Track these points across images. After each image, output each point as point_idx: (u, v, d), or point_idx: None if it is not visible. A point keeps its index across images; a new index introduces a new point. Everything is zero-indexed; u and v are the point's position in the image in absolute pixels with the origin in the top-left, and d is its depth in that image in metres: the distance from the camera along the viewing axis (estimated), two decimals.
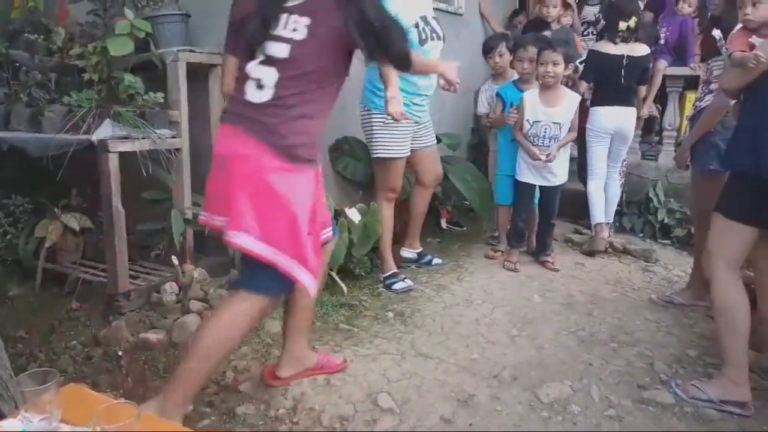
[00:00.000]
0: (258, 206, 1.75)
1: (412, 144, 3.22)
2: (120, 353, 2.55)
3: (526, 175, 3.62)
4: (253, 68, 1.83)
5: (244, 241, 1.74)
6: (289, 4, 1.82)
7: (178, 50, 2.92)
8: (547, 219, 3.78)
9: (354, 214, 3.03)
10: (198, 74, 3.11)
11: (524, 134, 3.54)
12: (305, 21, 1.78)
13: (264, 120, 1.78)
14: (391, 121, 3.01)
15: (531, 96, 3.52)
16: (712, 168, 2.76)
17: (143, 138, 2.78)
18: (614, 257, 3.99)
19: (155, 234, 3.23)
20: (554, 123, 3.47)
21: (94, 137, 2.71)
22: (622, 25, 3.81)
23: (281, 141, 1.77)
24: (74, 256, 3.28)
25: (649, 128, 5.00)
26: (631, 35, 3.83)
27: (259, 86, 1.80)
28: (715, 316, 2.32)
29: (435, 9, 4.08)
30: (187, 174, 3.02)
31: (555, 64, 3.37)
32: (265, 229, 1.74)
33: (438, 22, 3.19)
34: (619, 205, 4.44)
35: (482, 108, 4.18)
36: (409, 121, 3.11)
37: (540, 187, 3.67)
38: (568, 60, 3.46)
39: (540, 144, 3.50)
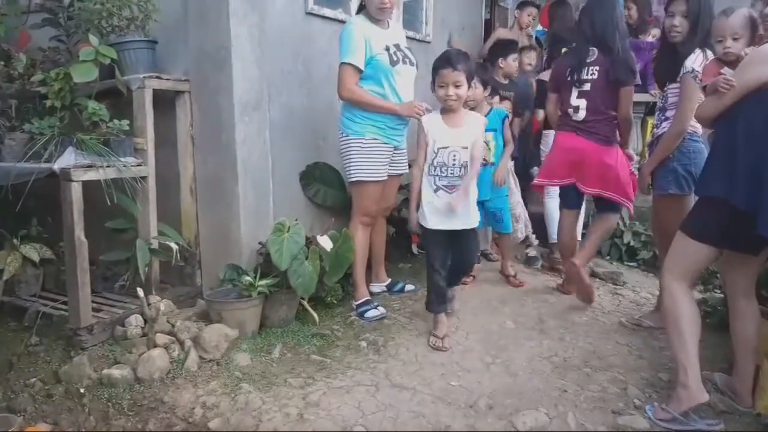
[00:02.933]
0: None
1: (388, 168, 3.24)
2: (82, 390, 2.44)
3: (432, 219, 2.87)
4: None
5: None
6: None
7: (144, 77, 2.87)
8: (459, 272, 3.19)
9: (325, 242, 2.99)
10: (165, 101, 3.06)
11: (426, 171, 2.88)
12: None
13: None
14: (368, 145, 3.05)
15: (431, 121, 2.89)
16: (672, 192, 2.83)
17: (107, 166, 2.71)
18: None
19: (120, 264, 3.15)
20: (462, 147, 2.81)
21: (56, 166, 2.63)
22: (564, 52, 3.99)
23: None
24: (34, 288, 3.16)
25: None
26: None
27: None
28: (664, 325, 2.40)
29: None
30: (153, 202, 2.95)
31: (457, 85, 2.74)
32: None
33: (411, 51, 3.25)
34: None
35: None
36: (386, 145, 3.13)
37: (449, 231, 2.89)
38: (471, 78, 2.83)
39: (450, 175, 2.82)
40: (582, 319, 3.28)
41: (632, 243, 4.55)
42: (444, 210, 2.81)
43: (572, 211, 3.56)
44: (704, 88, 2.27)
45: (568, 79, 3.29)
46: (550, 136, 4.06)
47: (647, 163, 3.01)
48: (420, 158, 2.89)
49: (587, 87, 3.25)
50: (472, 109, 3.40)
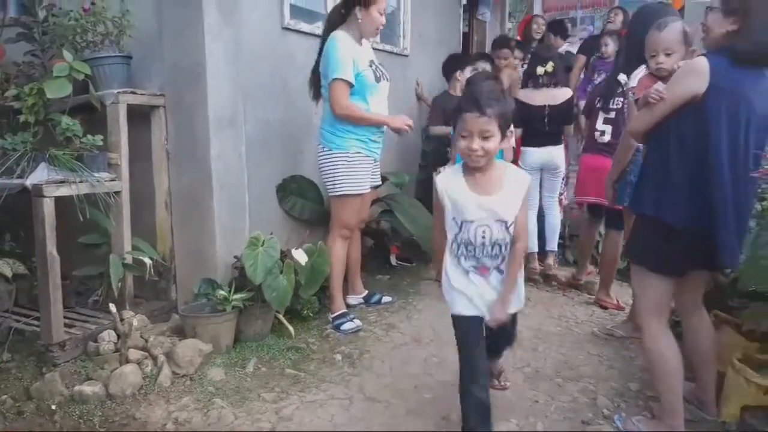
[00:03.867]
0: None
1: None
2: (53, 407, 2.43)
3: (465, 305, 2.03)
4: None
5: None
6: None
7: (118, 92, 2.88)
8: (498, 347, 2.37)
9: (300, 256, 3.01)
10: (140, 116, 3.06)
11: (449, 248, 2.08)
12: None
13: None
14: (353, 159, 3.09)
15: (449, 182, 2.02)
16: (627, 204, 2.91)
17: (80, 182, 2.70)
18: (558, 291, 4.09)
19: (93, 279, 3.13)
20: (497, 221, 1.96)
21: (28, 182, 2.62)
22: (540, 70, 4.06)
23: None
24: (6, 303, 3.12)
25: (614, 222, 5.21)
26: (550, 79, 4.06)
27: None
28: (649, 367, 2.35)
29: (382, 51, 4.21)
30: (127, 217, 2.95)
31: (485, 136, 1.89)
32: None
33: (383, 66, 3.29)
34: (562, 238, 4.60)
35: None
36: (369, 158, 3.19)
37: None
38: (506, 126, 1.94)
39: (479, 255, 2.00)
40: (556, 329, 3.33)
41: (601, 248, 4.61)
42: (484, 308, 2.03)
43: (596, 222, 3.91)
44: (637, 101, 2.27)
45: (597, 106, 3.59)
46: (527, 153, 4.15)
47: (608, 176, 3.10)
48: (437, 222, 2.16)
49: (613, 114, 3.51)
50: None
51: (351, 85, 3.03)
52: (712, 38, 2.03)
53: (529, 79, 4.19)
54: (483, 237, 1.97)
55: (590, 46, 5.22)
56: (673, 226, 2.00)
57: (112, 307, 2.69)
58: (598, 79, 4.76)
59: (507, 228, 1.96)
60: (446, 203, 2.00)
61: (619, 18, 5.09)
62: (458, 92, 4.29)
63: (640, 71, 2.73)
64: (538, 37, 5.64)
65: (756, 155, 1.94)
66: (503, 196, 1.95)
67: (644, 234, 2.16)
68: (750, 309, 2.47)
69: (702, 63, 1.93)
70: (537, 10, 7.17)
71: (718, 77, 1.89)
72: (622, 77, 2.69)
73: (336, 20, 3.18)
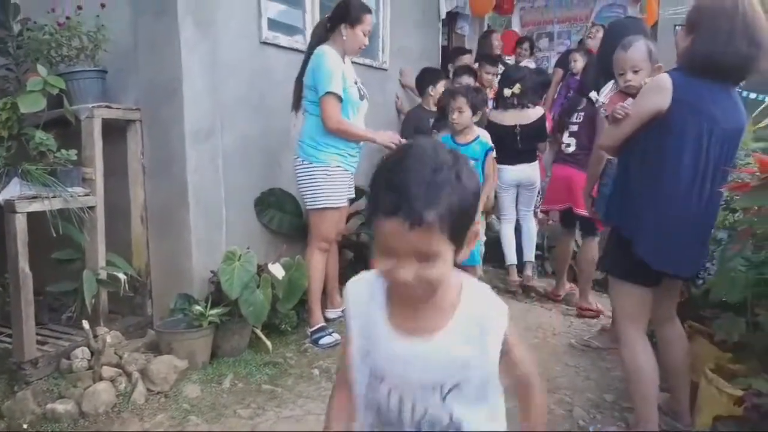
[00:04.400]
0: None
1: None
2: (25, 426, 2.38)
3: None
4: None
5: None
6: None
7: (93, 106, 2.86)
8: None
9: (277, 270, 3.00)
10: (116, 130, 3.05)
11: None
12: None
13: None
14: (333, 173, 3.10)
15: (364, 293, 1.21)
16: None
17: (53, 197, 2.68)
18: (537, 302, 4.12)
19: (67, 295, 3.09)
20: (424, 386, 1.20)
21: (1, 197, 2.59)
22: (507, 92, 4.13)
23: None
24: None
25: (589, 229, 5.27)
26: (518, 100, 4.11)
27: None
28: (625, 376, 2.37)
29: (361, 65, 4.24)
30: (102, 232, 2.92)
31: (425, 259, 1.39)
32: None
33: (364, 84, 3.34)
34: (540, 249, 4.65)
35: None
36: (347, 172, 3.21)
37: None
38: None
39: None
40: (533, 341, 3.35)
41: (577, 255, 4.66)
42: None
43: (570, 232, 4.01)
44: (607, 118, 2.32)
45: (565, 120, 3.83)
46: (502, 170, 4.17)
47: (585, 188, 3.16)
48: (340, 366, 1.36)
49: (576, 128, 3.71)
50: (459, 131, 3.49)
51: (341, 99, 3.05)
52: (679, 54, 2.10)
53: (499, 101, 4.26)
54: (400, 409, 1.09)
55: (567, 60, 5.30)
56: (628, 236, 2.04)
57: (85, 324, 2.65)
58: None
59: (451, 397, 1.06)
60: (350, 333, 1.17)
61: (600, 34, 5.15)
62: (432, 107, 4.30)
63: (608, 87, 2.79)
64: (498, 52, 5.71)
65: (723, 170, 1.98)
66: (447, 339, 1.06)
67: (617, 244, 2.19)
68: (721, 319, 2.52)
69: (665, 79, 1.99)
70: (515, 25, 7.28)
71: (680, 92, 1.95)
72: (593, 95, 2.75)
73: (321, 35, 3.20)
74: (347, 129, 3.09)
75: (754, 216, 1.91)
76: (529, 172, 4.23)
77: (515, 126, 4.10)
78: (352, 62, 3.42)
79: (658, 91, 1.98)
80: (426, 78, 4.48)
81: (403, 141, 3.16)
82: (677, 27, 2.18)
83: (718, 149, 1.97)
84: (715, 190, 1.99)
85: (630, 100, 2.29)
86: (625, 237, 2.09)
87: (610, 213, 2.22)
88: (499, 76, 5.24)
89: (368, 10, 3.18)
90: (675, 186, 1.97)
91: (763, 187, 1.68)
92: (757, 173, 1.74)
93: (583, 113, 3.68)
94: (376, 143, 3.22)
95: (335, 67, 3.02)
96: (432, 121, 4.20)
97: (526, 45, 6.12)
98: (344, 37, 3.11)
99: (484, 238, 4.18)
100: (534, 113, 4.15)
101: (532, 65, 5.83)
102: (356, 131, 3.13)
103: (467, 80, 4.44)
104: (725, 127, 1.97)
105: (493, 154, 3.57)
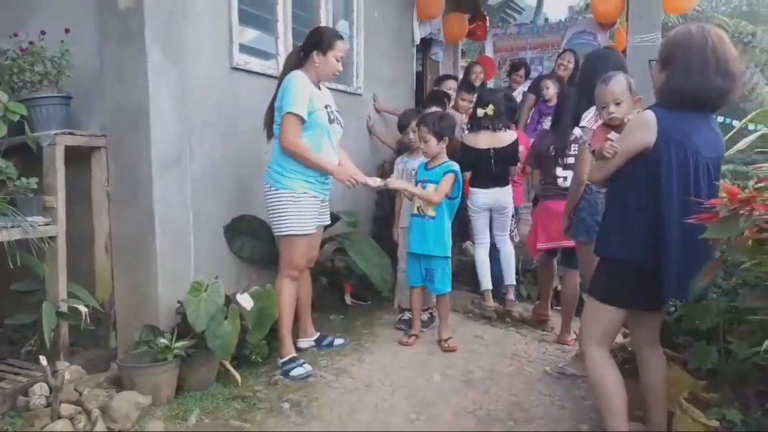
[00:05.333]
0: None
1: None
2: None
3: None
4: None
5: None
6: None
7: (55, 133, 2.78)
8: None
9: (245, 301, 2.92)
10: (80, 157, 2.96)
11: None
12: None
13: None
14: (300, 199, 3.04)
15: None
16: (581, 239, 3.07)
17: (12, 227, 2.58)
18: (512, 327, 4.09)
19: (26, 328, 2.97)
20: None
21: None
22: (480, 112, 4.12)
23: None
24: None
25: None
26: (490, 122, 4.09)
27: None
28: (592, 394, 2.41)
29: (335, 90, 4.22)
30: (63, 263, 2.81)
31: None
32: None
33: (339, 114, 3.30)
34: (516, 273, 4.62)
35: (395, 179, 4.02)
36: (316, 199, 3.14)
37: None
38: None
39: None
40: (508, 369, 3.30)
41: (560, 287, 4.65)
42: None
43: (550, 257, 3.99)
44: (593, 152, 2.36)
45: (552, 155, 3.65)
46: (475, 194, 4.20)
47: (564, 211, 3.18)
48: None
49: (572, 160, 3.52)
50: (430, 159, 3.63)
51: (303, 121, 3.01)
52: (656, 89, 2.18)
53: (473, 122, 4.25)
54: None
55: (538, 86, 5.36)
56: (641, 264, 2.11)
57: (42, 360, 2.53)
58: (546, 123, 4.87)
59: None
60: None
61: (571, 65, 5.22)
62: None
63: (590, 113, 2.82)
64: (477, 84, 5.74)
65: (707, 193, 2.04)
66: None
67: (610, 274, 2.23)
68: (694, 348, 2.51)
69: (649, 116, 2.07)
70: (488, 51, 7.37)
71: (665, 128, 2.04)
72: (576, 131, 2.80)
73: (294, 63, 3.19)
74: (301, 152, 3.02)
75: (723, 249, 1.91)
76: (502, 195, 4.21)
77: (489, 149, 4.09)
78: (329, 88, 3.41)
79: (644, 128, 2.07)
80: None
81: (360, 181, 3.20)
82: (652, 62, 2.21)
83: (701, 176, 2.05)
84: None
85: (613, 132, 2.36)
86: (629, 266, 2.14)
87: (609, 244, 2.23)
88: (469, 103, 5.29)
89: (340, 37, 3.18)
90: (669, 217, 2.03)
91: (731, 218, 1.68)
92: (726, 203, 1.73)
93: (577, 145, 3.49)
94: (333, 177, 3.16)
95: (302, 89, 3.00)
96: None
97: (521, 72, 6.16)
98: (316, 64, 3.10)
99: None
100: (507, 137, 4.15)
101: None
102: (310, 156, 3.05)
103: (435, 108, 4.40)
104: (707, 155, 2.06)
105: (452, 175, 3.55)
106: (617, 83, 2.53)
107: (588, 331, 2.32)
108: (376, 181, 3.39)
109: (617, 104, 2.51)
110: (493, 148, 4.08)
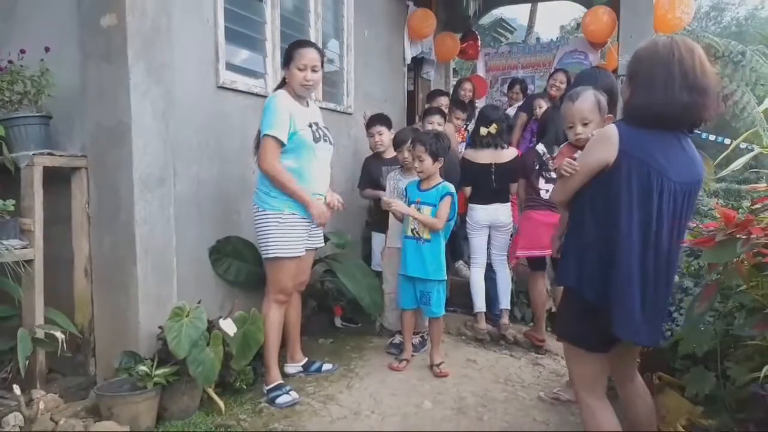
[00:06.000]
0: None
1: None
2: None
3: None
4: None
5: None
6: None
7: (33, 154, 2.71)
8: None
9: (229, 326, 2.82)
10: (60, 177, 2.89)
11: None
12: None
13: None
14: (287, 220, 2.97)
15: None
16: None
17: None
18: (506, 350, 4.00)
19: (3, 355, 2.86)
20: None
21: None
22: (483, 131, 4.10)
23: None
24: None
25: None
26: (492, 140, 4.09)
27: None
28: None
29: (325, 109, 4.18)
30: (40, 287, 2.72)
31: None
32: None
33: (328, 130, 3.23)
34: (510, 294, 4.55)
35: (386, 196, 3.93)
36: (305, 220, 3.06)
37: None
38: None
39: None
40: (501, 395, 3.21)
41: (554, 309, 4.58)
42: None
43: (541, 273, 4.00)
44: (555, 170, 2.21)
45: (536, 168, 3.71)
46: (474, 210, 4.17)
47: (555, 233, 3.11)
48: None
49: (554, 175, 3.45)
50: (424, 178, 3.55)
51: (282, 144, 2.94)
52: (623, 105, 2.03)
53: (475, 139, 4.21)
54: None
55: (531, 105, 5.34)
56: (592, 300, 1.91)
57: (16, 389, 2.43)
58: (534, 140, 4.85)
59: None
60: None
61: (564, 85, 5.19)
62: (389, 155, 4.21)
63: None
64: (466, 100, 5.72)
65: (679, 224, 1.88)
66: None
67: (570, 307, 2.07)
68: (691, 374, 2.44)
69: (611, 131, 1.89)
70: (480, 70, 7.37)
71: (627, 144, 1.85)
72: (539, 147, 2.69)
73: (281, 82, 3.16)
74: (278, 176, 2.94)
75: (720, 271, 1.84)
76: (502, 212, 4.17)
77: (491, 164, 4.08)
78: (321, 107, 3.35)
79: (603, 144, 1.89)
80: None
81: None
82: (621, 78, 2.10)
83: (671, 204, 1.85)
84: (672, 247, 1.87)
85: (579, 151, 2.19)
86: (586, 301, 1.93)
87: (565, 273, 2.03)
88: (466, 121, 5.25)
89: (302, 45, 3.06)
90: (625, 244, 1.83)
91: (727, 242, 1.61)
92: (722, 227, 1.67)
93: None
94: (306, 208, 3.03)
95: (280, 109, 2.93)
96: (385, 168, 4.13)
97: (517, 88, 6.12)
98: (287, 80, 3.06)
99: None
100: (509, 153, 4.16)
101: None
102: (287, 183, 2.95)
103: (438, 120, 4.36)
104: (677, 180, 1.85)
105: (450, 198, 3.49)
106: (584, 100, 2.40)
107: (575, 380, 2.14)
108: (382, 200, 3.38)
109: (584, 124, 2.39)
110: (495, 164, 4.08)
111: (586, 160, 1.94)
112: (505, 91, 6.12)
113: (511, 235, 4.37)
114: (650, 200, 1.82)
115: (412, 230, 3.54)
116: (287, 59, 3.04)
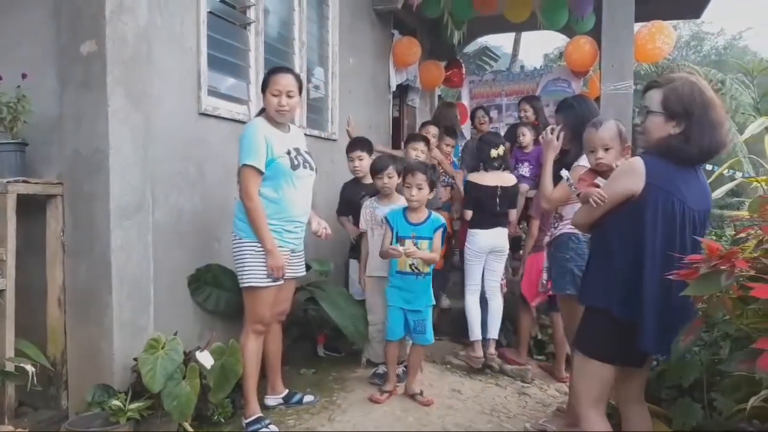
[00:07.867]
0: None
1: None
2: None
3: None
4: None
5: None
6: None
7: (7, 181, 2.65)
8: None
9: (205, 359, 2.75)
10: (34, 205, 2.83)
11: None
12: None
13: None
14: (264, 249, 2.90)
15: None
16: (569, 292, 2.89)
17: None
18: (491, 379, 3.94)
19: None
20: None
21: None
22: (494, 153, 4.14)
23: None
24: None
25: (516, 246, 5.21)
26: (503, 161, 4.20)
27: None
28: None
29: (309, 135, 4.15)
30: (11, 318, 2.64)
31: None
32: None
33: (311, 156, 3.18)
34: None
35: (362, 225, 3.93)
36: (282, 249, 2.99)
37: None
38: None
39: None
40: (487, 426, 3.15)
41: (540, 336, 4.54)
42: None
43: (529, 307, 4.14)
44: (578, 195, 2.29)
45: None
46: (477, 235, 4.15)
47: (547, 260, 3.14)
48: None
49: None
50: (415, 209, 3.47)
51: (261, 173, 2.90)
52: (652, 139, 2.12)
53: (482, 163, 4.22)
54: None
55: (514, 133, 5.35)
56: (618, 316, 2.04)
57: None
58: (522, 168, 4.85)
59: None
60: None
61: (530, 112, 5.23)
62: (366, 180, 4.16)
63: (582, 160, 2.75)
64: (482, 127, 5.73)
65: (694, 248, 2.00)
66: None
67: (596, 325, 2.16)
68: (678, 405, 2.40)
69: (638, 163, 2.04)
70: (464, 98, 7.43)
71: (654, 176, 2.00)
72: (564, 173, 2.69)
73: (260, 110, 3.13)
74: (252, 210, 2.88)
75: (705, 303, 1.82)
76: (502, 236, 4.19)
77: (497, 187, 4.11)
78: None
79: (631, 175, 2.04)
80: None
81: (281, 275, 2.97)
82: (648, 110, 2.13)
83: (690, 229, 2.02)
84: None
85: (600, 178, 2.30)
86: (614, 319, 2.06)
87: (590, 293, 2.19)
88: (452, 147, 5.26)
89: (275, 72, 3.04)
90: (650, 268, 1.98)
91: (712, 275, 1.60)
92: (707, 259, 1.65)
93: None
94: (267, 255, 2.93)
95: (256, 137, 2.89)
96: (364, 194, 4.04)
97: (481, 113, 6.09)
98: (265, 106, 3.03)
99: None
100: (511, 178, 4.24)
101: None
102: (257, 221, 2.88)
103: (422, 147, 4.33)
104: (695, 208, 2.03)
105: (443, 230, 3.49)
106: (607, 129, 2.46)
107: (581, 393, 2.21)
108: (398, 249, 3.29)
109: (606, 150, 2.45)
110: (501, 186, 4.12)
111: (614, 189, 2.09)
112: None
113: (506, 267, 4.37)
114: (674, 226, 2.00)
115: (411, 266, 3.44)
116: (263, 85, 3.03)
